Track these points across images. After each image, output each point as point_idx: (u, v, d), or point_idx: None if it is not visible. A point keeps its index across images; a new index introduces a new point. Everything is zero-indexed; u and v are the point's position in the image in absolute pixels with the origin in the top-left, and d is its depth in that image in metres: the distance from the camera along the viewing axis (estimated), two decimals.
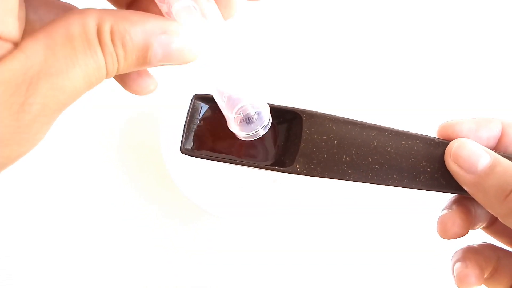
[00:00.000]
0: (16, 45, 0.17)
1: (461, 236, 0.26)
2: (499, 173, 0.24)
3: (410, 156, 0.25)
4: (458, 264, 0.27)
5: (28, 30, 0.18)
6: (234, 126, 0.23)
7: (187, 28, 0.19)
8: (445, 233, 0.26)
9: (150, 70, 0.23)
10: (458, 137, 0.26)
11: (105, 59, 0.17)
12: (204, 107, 0.26)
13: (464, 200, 0.27)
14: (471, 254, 0.27)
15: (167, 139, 0.43)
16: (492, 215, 0.25)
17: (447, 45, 0.49)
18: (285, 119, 0.26)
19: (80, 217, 0.46)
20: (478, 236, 0.29)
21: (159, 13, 0.19)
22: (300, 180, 0.44)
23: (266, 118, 0.24)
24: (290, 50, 0.47)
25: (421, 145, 0.25)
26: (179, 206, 0.46)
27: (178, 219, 0.46)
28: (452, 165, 0.25)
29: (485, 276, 0.27)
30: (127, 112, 0.47)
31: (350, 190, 0.46)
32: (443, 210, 0.27)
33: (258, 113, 0.23)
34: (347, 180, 0.25)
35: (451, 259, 0.28)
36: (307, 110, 0.26)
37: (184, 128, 0.26)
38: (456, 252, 0.28)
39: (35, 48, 0.17)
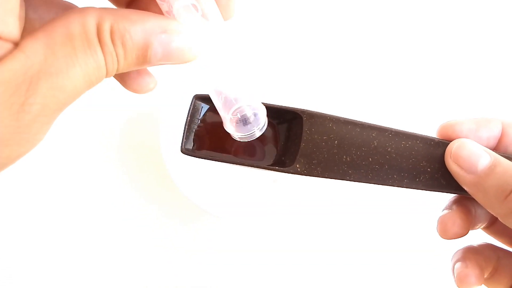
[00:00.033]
0: (16, 44, 0.17)
1: (461, 236, 0.26)
2: (499, 173, 0.24)
3: (410, 156, 0.25)
4: (458, 264, 0.27)
5: (28, 29, 0.18)
6: (230, 126, 0.23)
7: (188, 27, 0.19)
8: (445, 233, 0.26)
9: (150, 69, 0.23)
10: (458, 137, 0.26)
11: (105, 58, 0.17)
12: (204, 107, 0.26)
13: (464, 200, 0.27)
14: (471, 254, 0.27)
15: (167, 139, 0.43)
16: (492, 215, 0.25)
17: (447, 45, 0.49)
18: (286, 119, 0.26)
19: (80, 217, 0.46)
20: (478, 236, 0.29)
21: (159, 12, 0.19)
22: (300, 180, 0.44)
23: (263, 120, 0.24)
24: (290, 51, 0.47)
25: (421, 145, 0.26)
26: (179, 206, 0.46)
27: (178, 219, 0.46)
28: (452, 165, 0.25)
29: (485, 276, 0.27)
30: (127, 112, 0.47)
31: (350, 190, 0.46)
32: (443, 210, 0.27)
33: (255, 114, 0.23)
34: (347, 180, 0.25)
35: (451, 259, 0.28)
36: (308, 110, 0.26)
37: (184, 128, 0.26)
38: (456, 252, 0.28)
39: (35, 47, 0.17)
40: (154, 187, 0.46)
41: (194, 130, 0.26)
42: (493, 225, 0.29)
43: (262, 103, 0.24)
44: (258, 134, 0.24)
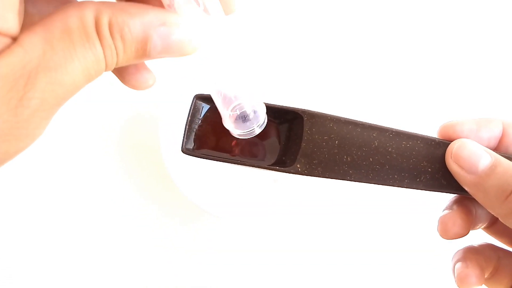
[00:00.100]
0: (15, 40, 0.17)
1: (461, 236, 0.26)
2: (499, 173, 0.24)
3: (411, 156, 0.25)
4: (458, 264, 0.27)
5: (27, 23, 0.18)
6: (229, 123, 0.23)
7: (187, 20, 0.19)
8: (446, 233, 0.26)
9: (150, 67, 0.23)
10: (459, 138, 0.26)
11: (104, 52, 0.17)
12: (205, 107, 0.26)
13: (465, 200, 0.27)
14: (471, 254, 0.27)
15: (167, 138, 0.43)
16: (493, 215, 0.25)
17: (447, 46, 0.49)
18: (286, 119, 0.26)
19: (80, 217, 0.46)
20: (479, 236, 0.29)
21: (160, 5, 0.19)
22: (300, 180, 0.44)
23: (262, 117, 0.24)
24: (291, 50, 0.47)
25: (422, 145, 0.26)
26: (179, 206, 0.46)
27: (178, 219, 0.46)
28: (452, 166, 0.25)
29: (485, 276, 0.27)
30: (127, 111, 0.47)
31: (351, 190, 0.46)
32: (444, 210, 0.27)
33: (255, 111, 0.23)
34: (348, 180, 0.25)
35: (452, 259, 0.28)
36: (308, 110, 0.26)
37: (185, 128, 0.26)
38: (456, 252, 0.28)
39: (33, 42, 0.16)
40: (154, 187, 0.46)
41: (194, 130, 0.26)
42: (494, 225, 0.29)
43: (264, 103, 0.24)
44: (257, 131, 0.24)
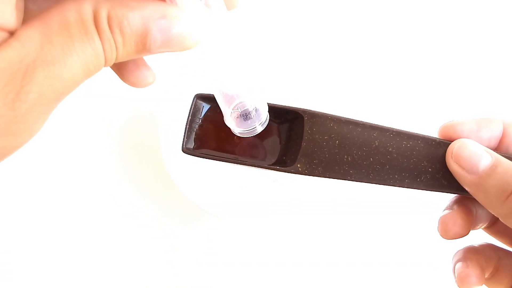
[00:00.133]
0: (12, 34, 0.17)
1: (462, 236, 0.26)
2: (500, 173, 0.24)
3: (412, 156, 0.25)
4: (459, 264, 0.27)
5: (27, 20, 0.18)
6: (230, 121, 0.23)
7: (187, 13, 0.18)
8: (446, 233, 0.26)
9: (150, 65, 0.22)
10: (460, 138, 0.26)
11: (103, 46, 0.17)
12: (205, 107, 0.26)
13: (465, 201, 0.27)
14: (472, 254, 0.27)
15: (167, 138, 0.42)
16: (493, 215, 0.25)
17: (448, 46, 0.49)
18: (287, 119, 0.26)
19: (80, 217, 0.46)
20: (479, 236, 0.29)
21: None
22: (300, 180, 0.44)
23: (264, 115, 0.24)
24: (291, 50, 0.47)
25: (422, 145, 0.26)
26: (179, 206, 0.46)
27: (178, 219, 0.46)
28: (453, 166, 0.25)
29: (486, 276, 0.27)
30: (127, 111, 0.47)
31: (351, 190, 0.46)
32: (444, 210, 0.27)
33: (256, 110, 0.23)
34: (348, 180, 0.25)
35: (452, 259, 0.28)
36: (309, 110, 0.26)
37: (185, 127, 0.26)
38: (457, 252, 0.28)
39: (30, 36, 0.16)
40: (154, 187, 0.46)
41: (195, 130, 0.26)
42: (494, 225, 0.29)
43: (265, 100, 0.24)
44: (259, 129, 0.24)
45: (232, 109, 0.23)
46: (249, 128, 0.24)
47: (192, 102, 0.26)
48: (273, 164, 0.26)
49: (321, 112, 0.25)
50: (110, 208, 0.46)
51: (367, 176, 0.25)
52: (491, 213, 0.25)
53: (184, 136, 0.25)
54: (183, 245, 0.46)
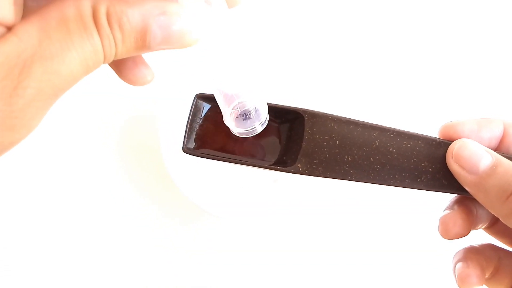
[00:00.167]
0: (9, 30, 0.17)
1: (462, 237, 0.26)
2: (500, 173, 0.24)
3: (412, 156, 0.25)
4: (459, 264, 0.27)
5: (26, 16, 0.18)
6: (229, 121, 0.23)
7: (188, 10, 0.18)
8: (447, 233, 0.26)
9: (150, 64, 0.22)
10: (460, 138, 0.26)
11: (102, 42, 0.17)
12: (206, 107, 0.26)
13: (466, 201, 0.27)
14: (472, 254, 0.27)
15: (167, 138, 0.42)
16: (494, 215, 0.25)
17: (449, 46, 0.49)
18: (287, 119, 0.26)
19: (80, 217, 0.46)
20: (480, 236, 0.29)
21: None
22: (300, 180, 0.44)
23: (264, 115, 0.24)
24: (292, 50, 0.47)
25: (423, 145, 0.26)
26: (179, 206, 0.46)
27: (178, 219, 0.46)
28: (453, 166, 0.25)
29: (486, 276, 0.27)
30: (127, 111, 0.47)
31: (351, 190, 0.46)
32: (445, 210, 0.27)
33: (256, 110, 0.23)
34: (348, 180, 0.25)
35: (453, 259, 0.28)
36: (309, 110, 0.26)
37: (186, 127, 0.26)
38: (457, 252, 0.28)
39: (29, 31, 0.16)
40: (154, 187, 0.46)
41: (195, 130, 0.26)
42: (494, 225, 0.29)
43: (265, 100, 0.24)
44: (259, 129, 0.24)
45: (232, 109, 0.23)
46: (249, 128, 0.24)
47: (193, 102, 0.26)
48: (273, 164, 0.26)
49: (321, 112, 0.25)
50: (110, 208, 0.46)
51: (368, 176, 0.25)
52: (491, 213, 0.25)
53: (184, 136, 0.25)
54: (183, 245, 0.46)
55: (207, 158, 0.25)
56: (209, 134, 0.26)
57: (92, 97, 0.46)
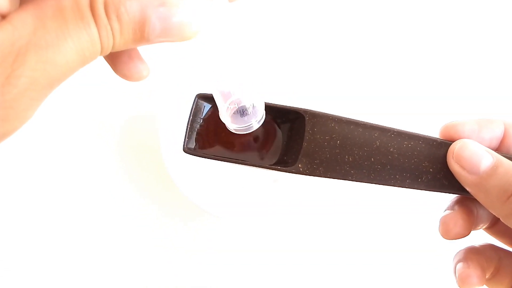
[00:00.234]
0: (4, 18, 0.16)
1: (463, 237, 0.26)
2: (501, 174, 0.24)
3: (413, 156, 0.25)
4: (460, 265, 0.27)
5: (22, 5, 0.17)
6: (225, 116, 0.23)
7: (188, 2, 0.18)
8: (447, 233, 0.26)
9: (150, 65, 0.22)
10: (461, 138, 0.26)
11: (99, 32, 0.17)
12: (207, 107, 0.26)
13: (466, 201, 0.27)
14: (472, 254, 0.27)
15: (167, 139, 0.42)
16: (494, 215, 0.25)
17: (449, 46, 0.49)
18: (288, 118, 0.26)
19: (80, 217, 0.46)
20: (480, 236, 0.29)
21: None
22: (301, 180, 0.44)
23: (261, 112, 0.24)
24: (292, 50, 0.47)
25: (423, 145, 0.26)
26: (179, 206, 0.46)
27: (178, 219, 0.46)
28: (454, 166, 0.25)
29: (486, 276, 0.27)
30: (127, 111, 0.47)
31: (351, 190, 0.46)
32: (445, 210, 0.27)
33: (254, 106, 0.23)
34: (349, 180, 0.25)
35: (453, 260, 0.28)
36: (310, 110, 0.26)
37: (186, 127, 0.26)
38: (458, 253, 0.28)
39: (24, 19, 0.16)
40: (154, 187, 0.46)
41: (196, 129, 0.26)
42: (495, 225, 0.29)
43: (265, 102, 0.24)
44: (256, 126, 0.24)
45: (229, 105, 0.22)
46: (245, 125, 0.23)
47: (194, 102, 0.26)
48: (274, 164, 0.26)
49: (322, 112, 0.25)
50: (110, 208, 0.46)
51: (368, 176, 0.25)
52: (492, 214, 0.25)
53: (185, 136, 0.25)
54: (183, 245, 0.46)
55: (208, 158, 0.25)
56: (209, 134, 0.26)
57: (92, 97, 0.46)
